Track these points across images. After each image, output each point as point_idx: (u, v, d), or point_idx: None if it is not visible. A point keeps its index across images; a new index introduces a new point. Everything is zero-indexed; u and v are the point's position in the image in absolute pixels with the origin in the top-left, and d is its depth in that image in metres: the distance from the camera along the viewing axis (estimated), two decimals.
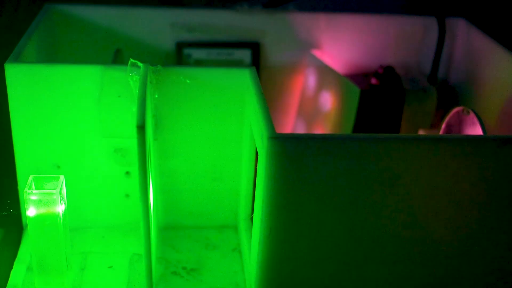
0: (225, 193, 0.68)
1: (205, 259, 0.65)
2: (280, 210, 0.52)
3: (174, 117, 0.64)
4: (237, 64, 0.85)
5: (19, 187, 0.65)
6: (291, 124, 0.92)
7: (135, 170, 0.66)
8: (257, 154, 0.62)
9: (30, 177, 0.57)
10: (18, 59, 0.61)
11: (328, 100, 0.84)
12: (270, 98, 0.88)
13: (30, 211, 0.56)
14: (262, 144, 0.52)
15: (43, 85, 0.60)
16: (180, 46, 0.84)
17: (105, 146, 0.64)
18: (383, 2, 1.03)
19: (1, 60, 0.62)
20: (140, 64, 0.60)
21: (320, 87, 0.86)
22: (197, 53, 0.85)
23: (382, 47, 0.88)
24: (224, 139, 0.65)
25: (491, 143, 0.52)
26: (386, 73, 0.81)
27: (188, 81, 0.62)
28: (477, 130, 0.63)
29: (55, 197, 0.55)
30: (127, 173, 0.66)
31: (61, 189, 0.56)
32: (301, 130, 0.90)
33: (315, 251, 0.55)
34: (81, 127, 0.63)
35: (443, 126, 0.68)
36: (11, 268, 0.62)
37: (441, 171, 0.53)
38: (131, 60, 0.60)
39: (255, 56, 0.86)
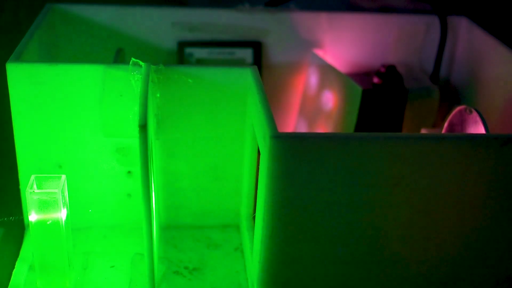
0: (227, 193, 0.68)
1: (207, 258, 0.65)
2: (282, 209, 0.52)
3: (176, 116, 0.63)
4: (238, 63, 0.85)
5: (21, 187, 0.65)
6: (293, 123, 0.92)
7: (137, 169, 0.66)
8: (259, 153, 0.62)
9: (32, 177, 0.57)
10: (19, 59, 0.61)
11: (330, 99, 0.84)
12: (272, 97, 0.88)
13: (32, 211, 0.56)
14: (264, 143, 0.51)
15: (45, 84, 0.60)
16: (182, 45, 0.84)
17: (107, 146, 0.64)
18: None
19: (2, 60, 0.62)
20: (141, 63, 0.60)
21: (322, 86, 0.86)
22: (199, 52, 0.85)
23: (384, 46, 0.88)
24: (226, 138, 0.65)
25: (494, 142, 0.52)
26: (388, 72, 0.80)
27: (190, 80, 0.62)
28: (480, 129, 0.63)
29: (57, 196, 0.55)
30: (129, 172, 0.66)
31: (63, 189, 0.56)
32: (303, 129, 0.90)
33: (317, 251, 0.55)
34: (82, 126, 0.63)
35: (446, 125, 0.68)
36: (13, 267, 0.62)
37: (444, 170, 0.53)
38: (133, 59, 0.60)
39: (256, 55, 0.86)
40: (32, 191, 0.55)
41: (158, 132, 0.64)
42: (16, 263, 0.62)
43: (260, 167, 0.54)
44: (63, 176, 0.57)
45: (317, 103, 0.86)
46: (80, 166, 0.65)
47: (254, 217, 0.63)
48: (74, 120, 0.62)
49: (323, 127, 0.85)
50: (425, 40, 0.89)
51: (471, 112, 0.64)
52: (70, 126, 0.63)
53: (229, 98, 0.63)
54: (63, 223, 0.57)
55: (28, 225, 0.64)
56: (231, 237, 0.69)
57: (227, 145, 0.65)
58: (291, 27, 0.85)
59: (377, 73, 0.81)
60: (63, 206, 0.57)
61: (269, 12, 0.84)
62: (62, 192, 0.56)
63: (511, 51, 0.77)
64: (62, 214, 0.56)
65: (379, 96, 0.79)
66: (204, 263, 0.65)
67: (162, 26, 0.83)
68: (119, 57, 0.77)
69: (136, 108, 0.61)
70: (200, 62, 0.85)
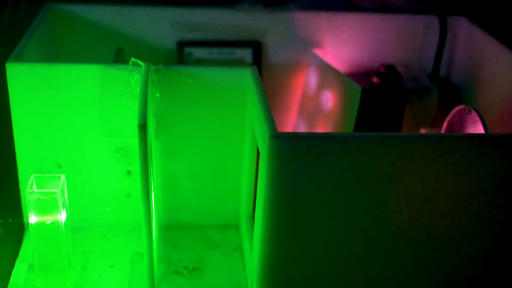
0: (226, 192, 0.68)
1: (207, 258, 0.65)
2: (282, 209, 0.52)
3: (175, 116, 0.64)
4: (238, 63, 0.85)
5: (21, 187, 0.65)
6: (292, 123, 0.92)
7: (136, 169, 0.66)
8: (258, 153, 0.62)
9: (32, 177, 0.57)
10: (19, 59, 0.61)
11: (329, 99, 0.84)
12: (271, 97, 0.88)
13: (31, 211, 0.56)
14: (263, 143, 0.52)
15: (44, 84, 0.60)
16: (182, 45, 0.84)
17: (107, 145, 0.64)
18: None
19: (2, 60, 0.62)
20: (141, 63, 0.60)
21: (321, 86, 0.86)
22: (199, 52, 0.85)
23: (383, 46, 0.88)
24: (225, 138, 0.65)
25: (493, 142, 0.52)
26: (388, 72, 0.80)
27: (189, 80, 0.62)
28: (479, 129, 0.63)
29: (56, 196, 0.55)
30: (129, 172, 0.66)
31: (62, 189, 0.56)
32: (302, 129, 0.90)
33: (317, 250, 0.55)
34: (82, 126, 0.63)
35: (445, 124, 0.68)
36: (13, 267, 0.62)
37: (443, 169, 0.53)
38: (133, 59, 0.60)
39: (256, 55, 0.86)
40: (31, 191, 0.55)
41: (157, 132, 0.64)
42: (16, 263, 0.62)
43: (259, 167, 0.54)
44: (63, 176, 0.57)
45: (317, 103, 0.86)
46: (80, 166, 0.65)
47: (253, 217, 0.64)
48: (73, 120, 0.62)
49: (322, 127, 0.85)
50: (424, 40, 0.89)
51: (470, 112, 0.64)
52: (69, 126, 0.63)
53: (228, 98, 0.63)
54: (63, 222, 0.57)
55: (28, 224, 0.64)
56: (231, 236, 0.69)
57: (226, 145, 0.65)
58: (291, 27, 0.85)
59: (377, 72, 0.81)
60: (63, 206, 0.57)
61: (268, 12, 0.84)
62: (62, 192, 0.56)
63: (510, 51, 0.77)
64: (61, 214, 0.56)
65: (379, 95, 0.79)
66: (204, 262, 0.65)
67: (162, 26, 0.83)
68: (118, 57, 0.77)
69: (135, 108, 0.61)
70: (200, 62, 0.85)
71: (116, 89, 0.61)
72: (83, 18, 0.81)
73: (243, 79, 0.62)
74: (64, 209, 0.57)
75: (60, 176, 0.57)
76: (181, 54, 0.84)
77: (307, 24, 0.85)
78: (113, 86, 0.61)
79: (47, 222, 0.56)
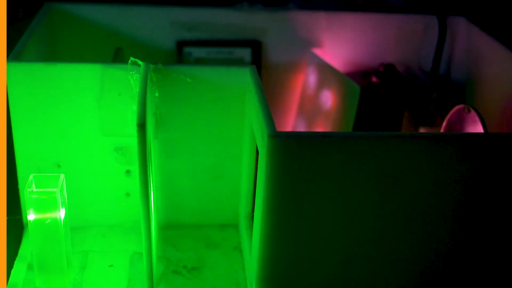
0: (225, 192, 0.68)
1: (206, 257, 0.65)
2: (281, 208, 0.52)
3: (174, 115, 0.63)
4: (237, 62, 0.85)
5: (20, 186, 0.65)
6: (291, 122, 0.92)
7: (135, 168, 0.66)
8: (257, 152, 0.62)
9: (31, 176, 0.57)
10: (18, 58, 0.61)
11: (328, 98, 0.84)
12: (270, 96, 0.88)
13: (31, 210, 0.56)
14: (262, 142, 0.51)
15: (43, 84, 0.60)
16: (181, 44, 0.84)
17: (106, 145, 0.64)
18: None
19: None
20: (140, 62, 0.60)
21: (320, 85, 0.86)
22: (198, 52, 0.85)
23: (382, 46, 0.88)
24: (224, 138, 0.65)
25: (493, 141, 0.52)
26: (387, 71, 0.80)
27: (188, 79, 0.62)
28: (478, 128, 0.63)
29: (55, 196, 0.55)
30: (128, 171, 0.66)
31: (61, 188, 0.56)
32: (301, 128, 0.90)
33: (316, 249, 0.55)
34: (81, 125, 0.63)
35: (444, 124, 0.68)
36: (12, 267, 0.62)
37: (442, 169, 0.53)
38: (132, 58, 0.60)
39: (255, 54, 0.86)
40: (31, 190, 0.55)
41: (156, 131, 0.64)
42: (15, 262, 0.62)
43: (258, 166, 0.54)
44: (62, 175, 0.57)
45: (316, 102, 0.86)
46: (79, 165, 0.65)
47: (252, 216, 0.64)
48: (72, 119, 0.62)
49: (321, 126, 0.85)
50: (423, 40, 0.89)
51: (469, 111, 0.64)
52: (68, 125, 0.63)
53: (227, 98, 0.63)
54: (62, 222, 0.57)
55: (27, 224, 0.64)
56: (230, 236, 0.69)
57: (225, 144, 0.65)
58: (290, 26, 0.85)
59: (376, 72, 0.81)
60: (62, 205, 0.57)
61: (267, 12, 0.84)
62: (61, 191, 0.56)
63: (509, 51, 0.77)
64: (60, 213, 0.56)
65: (378, 95, 0.79)
66: (203, 262, 0.65)
67: (161, 26, 0.83)
68: (117, 57, 0.77)
69: (134, 107, 0.61)
70: (199, 62, 0.85)
71: (115, 89, 0.61)
72: (82, 18, 0.81)
73: (242, 79, 0.62)
74: (63, 209, 0.57)
75: (59, 176, 0.57)
76: (180, 53, 0.84)
77: (306, 24, 0.85)
78: (112, 86, 0.61)
79: (46, 222, 0.56)
